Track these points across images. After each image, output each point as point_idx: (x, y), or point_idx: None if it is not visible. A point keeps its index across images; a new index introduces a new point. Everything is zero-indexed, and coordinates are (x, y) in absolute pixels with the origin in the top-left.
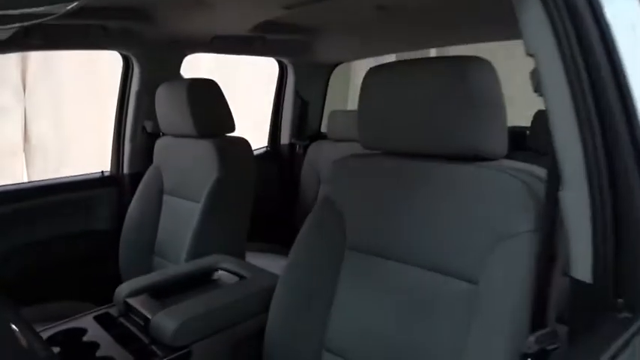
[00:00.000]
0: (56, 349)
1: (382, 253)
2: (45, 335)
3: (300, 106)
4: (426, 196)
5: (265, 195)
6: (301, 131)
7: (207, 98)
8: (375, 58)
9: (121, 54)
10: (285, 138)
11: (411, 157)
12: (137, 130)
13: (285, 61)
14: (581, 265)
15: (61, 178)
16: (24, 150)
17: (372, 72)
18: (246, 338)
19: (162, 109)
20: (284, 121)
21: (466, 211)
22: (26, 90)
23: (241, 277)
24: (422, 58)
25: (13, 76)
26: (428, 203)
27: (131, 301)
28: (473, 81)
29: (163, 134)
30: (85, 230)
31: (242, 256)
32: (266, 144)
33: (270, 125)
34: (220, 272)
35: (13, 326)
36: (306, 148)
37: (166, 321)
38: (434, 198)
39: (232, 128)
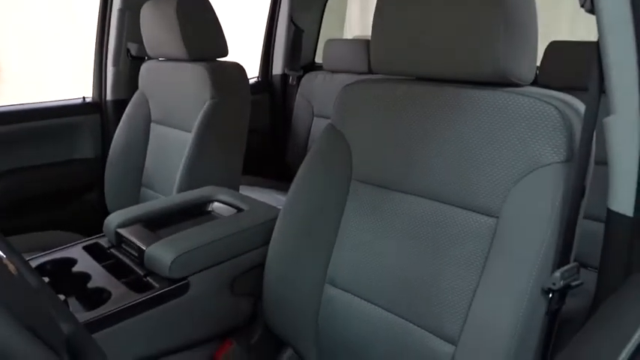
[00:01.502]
0: (45, 279)
1: (392, 185)
2: (32, 264)
3: (293, 34)
4: (444, 123)
5: (256, 128)
6: (295, 61)
7: (199, 18)
8: None
9: None
10: (277, 68)
11: (429, 82)
12: (120, 53)
13: None
14: (624, 197)
15: (41, 102)
16: None
17: None
18: (245, 271)
19: (149, 30)
20: (276, 51)
21: (490, 140)
22: None
23: (239, 209)
24: None
25: None
26: (447, 131)
27: (123, 231)
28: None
29: (149, 58)
30: (68, 159)
31: (236, 189)
32: (257, 74)
33: (262, 54)
34: (216, 204)
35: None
36: (299, 79)
37: (163, 252)
38: (454, 125)
39: (225, 52)
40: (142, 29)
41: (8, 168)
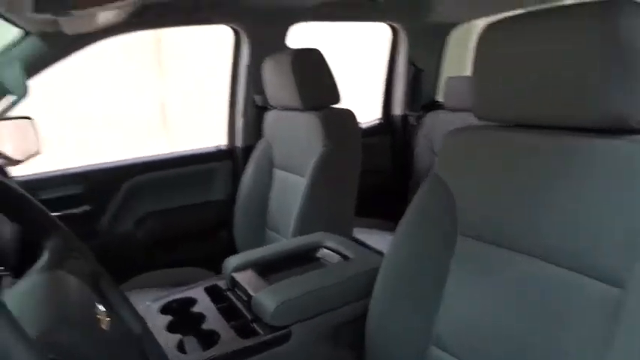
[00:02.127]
0: (169, 317)
1: (501, 242)
2: (161, 303)
3: (413, 74)
4: (559, 174)
5: (378, 169)
6: (415, 101)
7: (312, 69)
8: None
9: (231, 28)
10: (397, 109)
11: (538, 130)
12: (248, 104)
13: (397, 25)
14: None
15: (184, 151)
16: (164, 126)
17: (491, 28)
18: (347, 322)
19: (269, 82)
20: (396, 91)
21: (611, 196)
22: (162, 68)
23: (345, 257)
24: (553, 6)
25: (150, 56)
26: (562, 184)
27: (237, 275)
28: (624, 31)
29: (272, 107)
30: (205, 201)
31: (349, 232)
32: (379, 116)
33: (383, 95)
34: (324, 251)
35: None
36: (420, 119)
37: (267, 300)
38: (570, 177)
39: (337, 99)
40: (264, 81)
41: (156, 209)
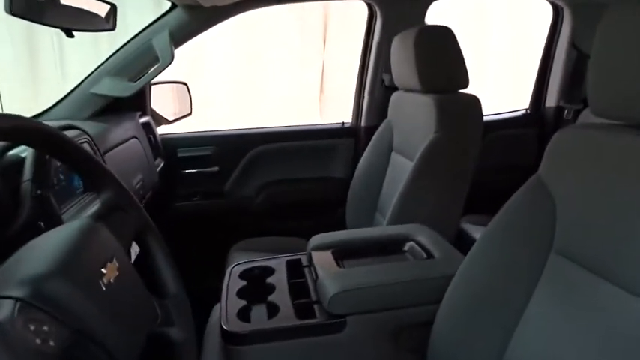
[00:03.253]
0: (243, 283)
1: (600, 270)
2: (242, 268)
3: (576, 60)
4: None
5: (518, 164)
6: (575, 92)
7: (436, 48)
8: None
9: (366, 2)
10: (551, 100)
11: None
12: (376, 83)
13: (560, 3)
14: None
15: (309, 125)
16: (319, 99)
17: (615, 11)
18: (411, 325)
19: (394, 61)
20: (552, 80)
21: None
22: (326, 44)
23: (430, 255)
24: None
25: (316, 31)
26: None
27: (314, 254)
28: None
29: (398, 88)
30: (323, 177)
31: (452, 228)
32: (527, 106)
33: (535, 84)
34: (413, 244)
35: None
36: (578, 113)
37: (328, 284)
38: None
39: (463, 84)
40: (391, 60)
41: (276, 179)
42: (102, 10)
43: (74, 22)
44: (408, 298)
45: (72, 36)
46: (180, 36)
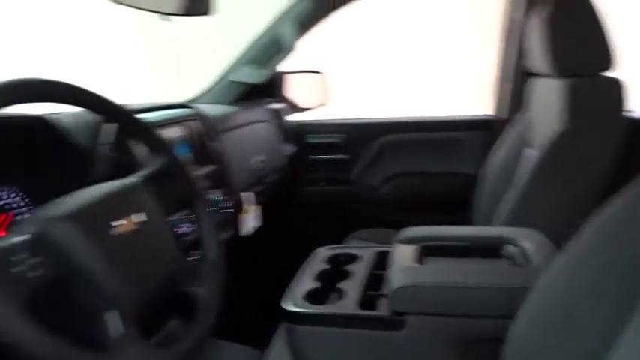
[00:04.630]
0: (324, 266)
1: None
2: (331, 252)
3: None
4: None
5: None
6: None
7: (573, 24)
8: None
9: None
10: None
11: None
12: (512, 69)
13: None
14: None
15: (441, 116)
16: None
17: None
18: (479, 340)
19: (530, 42)
20: None
21: None
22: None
23: (528, 262)
24: None
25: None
26: None
27: (398, 246)
28: None
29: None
30: (451, 172)
31: (570, 233)
32: None
33: None
34: (514, 249)
35: None
36: None
37: (394, 277)
38: None
39: (605, 65)
40: (527, 42)
41: (403, 170)
42: None
43: (169, 7)
44: (482, 308)
45: (169, 20)
46: (306, 23)
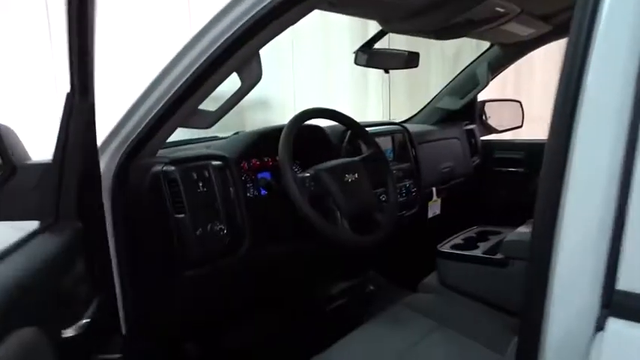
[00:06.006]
0: (473, 234)
1: None
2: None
3: None
4: None
5: None
6: None
7: None
8: None
9: None
10: None
11: None
12: None
13: None
14: None
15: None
16: None
17: None
18: None
19: None
20: None
21: None
22: None
23: None
24: None
25: None
26: None
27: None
28: None
29: None
30: None
31: None
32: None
33: None
34: None
35: None
36: None
37: (511, 235)
38: None
39: None
40: None
41: None
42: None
43: (391, 64)
44: None
45: (387, 72)
46: (497, 66)
